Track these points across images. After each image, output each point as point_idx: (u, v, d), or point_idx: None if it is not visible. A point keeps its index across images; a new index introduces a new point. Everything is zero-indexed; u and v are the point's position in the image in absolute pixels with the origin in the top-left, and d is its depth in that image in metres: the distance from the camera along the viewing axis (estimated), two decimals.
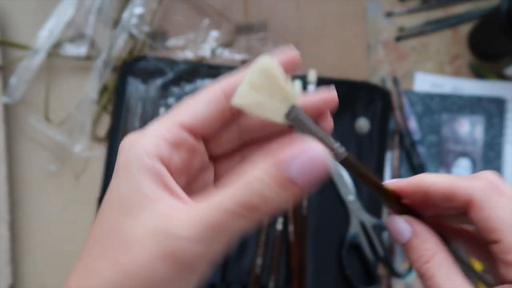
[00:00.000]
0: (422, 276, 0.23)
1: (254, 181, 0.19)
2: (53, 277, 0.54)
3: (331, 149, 0.22)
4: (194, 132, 0.23)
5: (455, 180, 0.23)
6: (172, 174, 0.21)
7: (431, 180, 0.24)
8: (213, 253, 0.20)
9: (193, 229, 0.19)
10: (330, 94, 0.23)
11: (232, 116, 0.23)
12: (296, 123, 0.22)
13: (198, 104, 0.23)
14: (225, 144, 0.25)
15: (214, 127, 0.23)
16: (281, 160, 0.18)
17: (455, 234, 0.26)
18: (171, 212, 0.19)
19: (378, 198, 0.25)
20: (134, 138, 0.22)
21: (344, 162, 0.23)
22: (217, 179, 0.25)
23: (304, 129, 0.22)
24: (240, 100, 0.22)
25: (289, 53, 0.23)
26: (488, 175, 0.23)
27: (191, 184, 0.24)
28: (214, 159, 0.26)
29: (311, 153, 0.18)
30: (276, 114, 0.22)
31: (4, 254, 0.52)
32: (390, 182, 0.25)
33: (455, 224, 0.27)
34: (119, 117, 0.55)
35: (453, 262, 0.23)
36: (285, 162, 0.18)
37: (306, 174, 0.18)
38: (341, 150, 0.23)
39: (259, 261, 0.53)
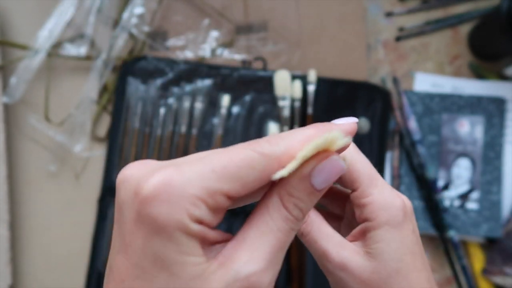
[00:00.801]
0: (302, 234, 0.26)
1: (288, 198, 0.21)
2: (53, 277, 0.54)
3: None
4: (232, 198, 0.20)
5: (324, 136, 0.25)
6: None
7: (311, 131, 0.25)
8: (277, 272, 0.21)
9: (261, 260, 0.20)
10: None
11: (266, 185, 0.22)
12: None
13: (248, 173, 0.20)
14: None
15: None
16: (308, 175, 0.21)
17: None
18: (227, 261, 0.19)
19: None
20: (167, 185, 0.18)
21: None
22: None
23: None
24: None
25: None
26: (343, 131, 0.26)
27: None
28: None
29: (333, 164, 0.21)
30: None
31: (4, 254, 0.52)
32: None
33: None
34: (119, 117, 0.56)
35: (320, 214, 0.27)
36: (311, 176, 0.21)
37: (329, 181, 0.21)
38: None
39: None
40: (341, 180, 0.27)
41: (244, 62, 0.58)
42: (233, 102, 0.56)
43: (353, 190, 0.26)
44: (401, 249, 0.25)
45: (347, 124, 0.24)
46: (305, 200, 0.21)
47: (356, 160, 0.26)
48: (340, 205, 0.30)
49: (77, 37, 0.56)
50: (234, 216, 0.54)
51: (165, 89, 0.56)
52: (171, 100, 0.56)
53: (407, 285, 0.25)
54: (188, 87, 0.56)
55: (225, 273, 0.19)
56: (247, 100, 0.56)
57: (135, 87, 0.56)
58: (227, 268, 0.19)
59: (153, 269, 0.18)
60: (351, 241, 0.26)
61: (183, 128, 0.55)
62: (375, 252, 0.25)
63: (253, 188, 0.21)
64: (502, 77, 0.58)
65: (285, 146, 0.21)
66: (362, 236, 0.26)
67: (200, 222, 0.19)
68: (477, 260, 0.56)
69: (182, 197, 0.18)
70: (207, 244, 0.19)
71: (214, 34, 0.58)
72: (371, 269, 0.25)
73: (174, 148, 0.55)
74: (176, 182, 0.18)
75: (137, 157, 0.55)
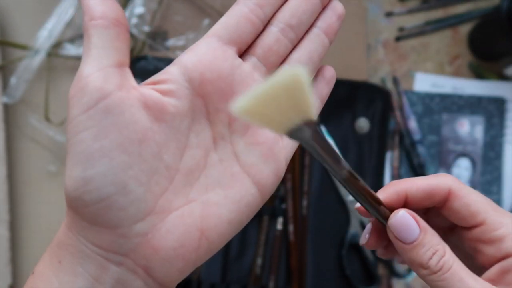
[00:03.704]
0: (438, 271, 0.22)
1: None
2: None
3: (340, 170, 0.21)
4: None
5: (429, 178, 0.24)
6: None
7: (409, 183, 0.24)
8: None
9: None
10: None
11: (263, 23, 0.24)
12: (302, 142, 0.20)
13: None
14: (272, 51, 0.24)
15: (244, 32, 0.24)
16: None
17: None
18: None
19: (373, 213, 0.24)
20: None
21: (347, 181, 0.22)
22: None
23: (313, 150, 0.20)
24: (242, 110, 0.18)
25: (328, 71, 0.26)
26: (447, 174, 0.25)
27: None
28: None
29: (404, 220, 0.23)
30: (281, 128, 0.19)
31: (4, 254, 0.52)
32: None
33: None
34: None
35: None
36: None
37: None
38: (347, 167, 0.22)
39: (259, 261, 0.53)
40: (455, 216, 0.24)
41: None
42: None
43: (475, 226, 0.23)
44: None
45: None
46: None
47: (468, 191, 0.24)
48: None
49: (77, 37, 0.56)
50: None
51: None
52: None
53: None
54: None
55: None
56: None
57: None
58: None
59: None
60: None
61: None
62: None
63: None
64: (502, 77, 0.58)
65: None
66: (503, 278, 0.22)
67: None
68: None
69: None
70: None
71: None
72: None
73: None
74: None
75: None
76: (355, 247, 0.54)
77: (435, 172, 0.56)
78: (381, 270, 0.55)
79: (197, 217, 0.21)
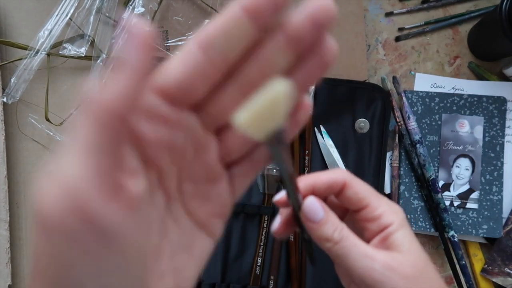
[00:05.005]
0: (339, 240, 0.29)
1: None
2: None
3: (290, 169, 0.25)
4: (171, 98, 0.19)
5: (329, 173, 0.31)
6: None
7: (315, 177, 0.30)
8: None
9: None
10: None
11: (222, 75, 0.19)
12: (272, 148, 0.21)
13: (171, 65, 0.19)
14: (227, 109, 0.20)
15: (196, 89, 0.19)
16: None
17: None
18: None
19: (293, 202, 0.29)
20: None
21: (290, 177, 0.26)
22: (225, 152, 0.22)
23: (275, 156, 0.22)
24: (244, 125, 0.19)
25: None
26: (342, 169, 0.32)
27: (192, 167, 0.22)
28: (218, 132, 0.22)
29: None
30: (261, 134, 0.20)
31: (4, 254, 0.52)
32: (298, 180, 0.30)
33: None
34: None
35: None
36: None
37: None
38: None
39: (259, 261, 0.53)
40: (348, 201, 0.31)
41: None
42: None
43: (361, 209, 0.30)
44: (418, 244, 0.30)
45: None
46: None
47: (357, 182, 0.31)
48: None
49: (77, 37, 0.56)
50: (235, 215, 0.54)
51: None
52: None
53: (434, 274, 0.29)
54: None
55: None
56: None
57: None
58: None
59: None
60: None
61: None
62: (406, 249, 0.29)
63: (186, 79, 0.19)
64: (502, 77, 0.58)
65: None
66: (382, 245, 0.29)
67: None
68: (477, 260, 0.56)
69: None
70: None
71: None
72: (410, 264, 0.28)
73: None
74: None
75: None
76: None
77: (435, 171, 0.56)
78: None
79: None
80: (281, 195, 0.31)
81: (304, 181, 0.30)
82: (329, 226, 0.29)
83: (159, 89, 0.18)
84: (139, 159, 0.19)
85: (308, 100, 0.22)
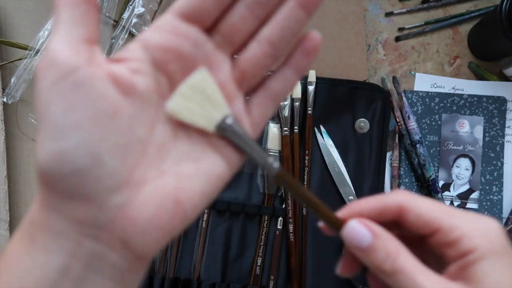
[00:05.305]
0: (391, 273, 0.23)
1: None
2: None
3: (263, 164, 0.24)
4: (185, 16, 0.23)
5: (380, 198, 0.26)
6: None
7: (363, 204, 0.26)
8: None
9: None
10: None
11: None
12: (228, 133, 0.23)
13: None
14: (237, 28, 0.23)
15: (207, 9, 0.23)
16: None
17: None
18: None
19: (315, 214, 0.26)
20: None
21: (277, 178, 0.24)
22: (240, 73, 0.24)
23: (236, 140, 0.23)
24: (172, 107, 0.23)
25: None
26: (400, 191, 0.26)
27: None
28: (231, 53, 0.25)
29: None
30: (209, 124, 0.23)
31: None
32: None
33: None
34: None
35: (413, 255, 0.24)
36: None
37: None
38: (275, 165, 0.24)
39: (259, 261, 0.53)
40: (412, 227, 0.25)
41: None
42: None
43: (433, 233, 0.24)
44: None
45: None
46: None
47: (418, 203, 0.25)
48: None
49: None
50: (235, 216, 0.54)
51: None
52: None
53: None
54: None
55: None
56: None
57: None
58: None
59: None
60: None
61: None
62: (490, 286, 0.22)
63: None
64: (502, 77, 0.58)
65: None
66: (461, 275, 0.23)
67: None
68: None
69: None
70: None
71: None
72: None
73: None
74: None
75: None
76: None
77: (435, 171, 0.56)
78: None
79: (171, 189, 0.22)
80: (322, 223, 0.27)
81: (349, 210, 0.26)
82: (379, 254, 0.24)
83: (176, 10, 0.23)
84: (150, 64, 0.22)
85: (316, 33, 0.24)
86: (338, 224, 0.26)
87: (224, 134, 0.23)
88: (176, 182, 0.22)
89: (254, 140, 0.24)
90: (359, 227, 0.25)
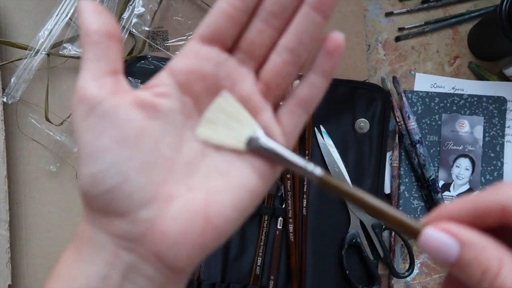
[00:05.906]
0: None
1: None
2: None
3: (303, 173, 0.24)
4: (205, 40, 0.24)
5: (475, 199, 0.20)
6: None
7: (453, 207, 0.21)
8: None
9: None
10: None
11: (246, 15, 0.24)
12: (259, 148, 0.24)
13: (206, 18, 0.25)
14: (256, 43, 0.24)
15: (225, 30, 0.24)
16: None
17: None
18: None
19: (379, 219, 0.23)
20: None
21: (321, 184, 0.24)
22: (264, 84, 0.25)
23: (269, 152, 0.24)
24: (202, 133, 0.24)
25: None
26: (502, 187, 0.20)
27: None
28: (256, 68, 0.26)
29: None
30: (239, 143, 0.24)
31: (4, 254, 0.52)
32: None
33: None
34: None
35: None
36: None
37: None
38: (317, 171, 0.23)
39: (259, 261, 0.53)
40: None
41: None
42: None
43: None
44: None
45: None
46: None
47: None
48: None
49: (77, 37, 0.56)
50: None
51: None
52: None
53: None
54: None
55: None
56: None
57: (135, 87, 0.56)
58: None
59: None
60: None
61: None
62: None
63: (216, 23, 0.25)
64: (502, 77, 0.58)
65: None
66: None
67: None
68: None
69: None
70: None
71: None
72: None
73: None
74: None
75: None
76: (355, 247, 0.54)
77: (435, 171, 0.56)
78: (381, 270, 0.55)
79: (200, 204, 0.23)
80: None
81: (436, 214, 0.21)
82: (473, 268, 0.19)
83: (197, 36, 0.24)
84: (175, 87, 0.24)
85: (338, 34, 0.25)
86: (415, 232, 0.21)
87: (256, 149, 0.24)
88: (206, 197, 0.23)
89: (288, 149, 0.24)
90: (438, 235, 0.19)
